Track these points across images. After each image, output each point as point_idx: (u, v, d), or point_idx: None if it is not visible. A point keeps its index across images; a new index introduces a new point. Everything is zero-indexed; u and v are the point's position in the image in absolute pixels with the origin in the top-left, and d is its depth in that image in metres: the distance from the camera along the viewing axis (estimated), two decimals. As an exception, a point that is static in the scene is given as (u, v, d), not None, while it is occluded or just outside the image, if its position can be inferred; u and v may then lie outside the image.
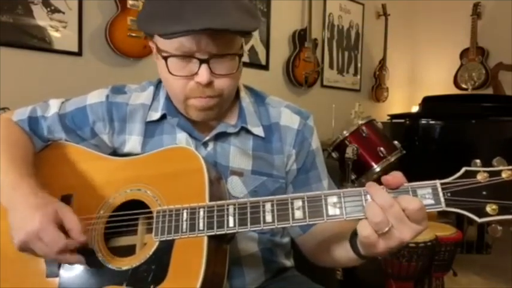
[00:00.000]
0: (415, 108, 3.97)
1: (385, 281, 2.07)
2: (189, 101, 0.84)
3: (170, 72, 0.80)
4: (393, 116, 3.36)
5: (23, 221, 0.72)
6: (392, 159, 2.44)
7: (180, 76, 0.80)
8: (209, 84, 0.80)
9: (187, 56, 0.78)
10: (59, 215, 0.73)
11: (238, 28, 0.76)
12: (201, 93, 0.82)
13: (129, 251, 0.78)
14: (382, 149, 2.44)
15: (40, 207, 0.73)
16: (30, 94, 2.03)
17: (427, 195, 0.63)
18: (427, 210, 0.63)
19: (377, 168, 2.42)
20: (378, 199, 0.63)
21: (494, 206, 0.61)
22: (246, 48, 3.01)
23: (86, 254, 0.75)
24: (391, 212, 0.62)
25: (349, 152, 2.30)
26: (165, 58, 0.79)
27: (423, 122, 3.03)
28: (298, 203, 0.67)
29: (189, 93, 0.82)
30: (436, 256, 2.02)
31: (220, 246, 0.75)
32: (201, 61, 0.78)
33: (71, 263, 0.75)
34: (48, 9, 2.12)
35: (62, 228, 0.73)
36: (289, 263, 1.01)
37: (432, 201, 0.63)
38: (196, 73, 0.79)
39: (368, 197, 0.65)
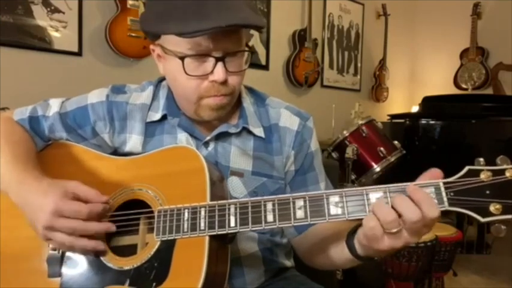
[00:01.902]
0: (415, 108, 3.97)
1: (385, 281, 2.07)
2: (202, 101, 0.84)
3: (187, 73, 0.80)
4: (393, 116, 3.37)
5: (38, 208, 0.72)
6: (392, 159, 2.44)
7: (195, 76, 0.81)
8: (224, 82, 0.81)
9: (202, 55, 0.79)
10: (70, 190, 0.74)
11: (258, 23, 0.78)
12: (216, 92, 0.82)
13: (131, 250, 0.78)
14: (382, 149, 2.44)
15: (49, 189, 0.73)
16: (30, 94, 2.03)
17: (430, 194, 0.62)
18: None
19: (377, 168, 2.42)
20: (405, 212, 0.61)
21: (498, 206, 0.60)
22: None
23: (87, 253, 0.75)
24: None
25: (349, 152, 2.30)
26: (182, 58, 0.79)
27: (423, 122, 3.03)
28: (300, 203, 0.67)
29: (203, 93, 0.83)
30: (436, 256, 2.02)
31: (222, 245, 0.75)
32: (217, 59, 0.79)
33: (101, 232, 0.74)
34: (48, 9, 2.12)
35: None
36: (289, 263, 1.00)
37: (435, 201, 0.62)
38: (211, 72, 0.80)
39: (370, 196, 0.64)
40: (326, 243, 0.81)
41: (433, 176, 0.64)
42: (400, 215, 0.61)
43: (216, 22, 0.72)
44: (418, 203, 0.61)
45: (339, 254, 0.76)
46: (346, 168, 2.31)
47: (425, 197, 0.61)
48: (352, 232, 0.71)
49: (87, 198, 0.74)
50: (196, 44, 0.77)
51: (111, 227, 0.75)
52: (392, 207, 0.62)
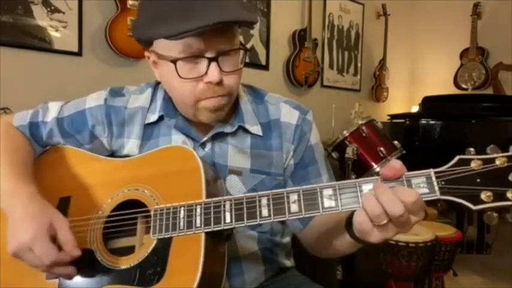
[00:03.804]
0: (415, 108, 3.97)
1: (385, 281, 2.06)
2: (199, 103, 0.83)
3: (180, 76, 0.79)
4: (393, 116, 3.37)
5: (17, 231, 0.72)
6: (392, 159, 2.43)
7: (189, 79, 0.80)
8: (219, 82, 0.80)
9: (194, 57, 0.78)
10: (54, 227, 0.74)
11: (247, 19, 0.76)
12: (213, 93, 0.81)
13: (129, 252, 0.78)
14: (382, 149, 2.44)
15: (35, 216, 0.73)
16: (30, 94, 2.03)
17: (421, 184, 0.63)
18: (423, 199, 0.62)
19: (377, 168, 2.41)
20: (381, 197, 0.61)
21: (488, 193, 0.60)
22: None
23: (85, 254, 0.76)
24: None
25: (349, 152, 2.30)
26: (174, 62, 0.78)
27: (423, 122, 3.03)
28: (294, 197, 0.67)
29: (199, 95, 0.82)
30: (436, 256, 2.02)
31: (218, 243, 0.75)
32: (210, 60, 0.78)
33: (61, 276, 0.75)
34: (48, 9, 2.12)
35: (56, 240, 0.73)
36: (289, 263, 1.00)
37: (427, 190, 0.63)
38: (205, 73, 0.79)
39: (363, 187, 0.65)
40: (330, 232, 0.80)
41: (395, 171, 0.64)
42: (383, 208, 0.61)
43: (203, 21, 0.71)
44: (396, 194, 0.60)
45: (342, 239, 0.75)
46: (346, 168, 2.31)
47: (397, 188, 0.61)
48: (351, 216, 0.70)
49: (63, 244, 0.73)
50: (187, 45, 0.76)
51: (72, 273, 0.75)
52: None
